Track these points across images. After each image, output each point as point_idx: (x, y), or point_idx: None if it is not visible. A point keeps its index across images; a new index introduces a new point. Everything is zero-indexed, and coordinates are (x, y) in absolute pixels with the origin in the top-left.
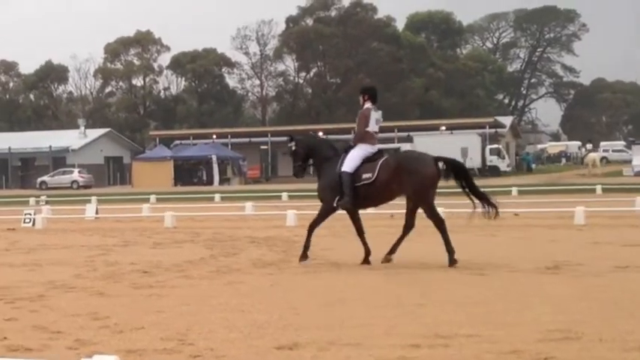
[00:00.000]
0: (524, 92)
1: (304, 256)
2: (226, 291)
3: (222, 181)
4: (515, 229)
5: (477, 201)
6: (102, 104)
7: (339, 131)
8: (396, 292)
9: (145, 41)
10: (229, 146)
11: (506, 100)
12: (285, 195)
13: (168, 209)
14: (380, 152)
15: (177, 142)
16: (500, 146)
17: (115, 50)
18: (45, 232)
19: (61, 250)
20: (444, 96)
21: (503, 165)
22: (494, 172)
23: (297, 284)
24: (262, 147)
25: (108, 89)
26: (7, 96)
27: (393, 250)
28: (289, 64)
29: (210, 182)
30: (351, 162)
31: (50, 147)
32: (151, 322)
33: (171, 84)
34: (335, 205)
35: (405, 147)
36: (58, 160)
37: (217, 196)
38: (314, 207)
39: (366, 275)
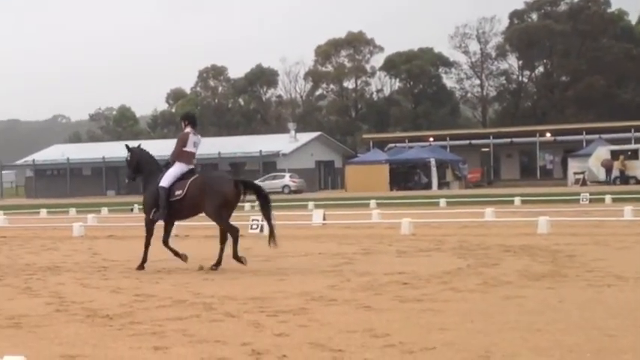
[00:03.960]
0: None
1: (141, 267)
2: (508, 307)
3: (441, 185)
4: None
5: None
6: (312, 107)
7: (569, 132)
8: None
9: (356, 42)
10: (447, 149)
11: None
12: (517, 200)
13: (403, 215)
14: (192, 171)
15: (392, 145)
16: None
17: (325, 52)
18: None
19: (300, 258)
20: None
21: None
22: None
23: (587, 300)
24: (483, 149)
25: (318, 92)
26: (216, 100)
27: (218, 262)
28: (512, 62)
29: (428, 186)
30: (167, 178)
31: (260, 151)
32: (441, 342)
33: (384, 85)
34: (151, 217)
35: None
36: (269, 164)
37: (442, 201)
38: (559, 212)
39: None
